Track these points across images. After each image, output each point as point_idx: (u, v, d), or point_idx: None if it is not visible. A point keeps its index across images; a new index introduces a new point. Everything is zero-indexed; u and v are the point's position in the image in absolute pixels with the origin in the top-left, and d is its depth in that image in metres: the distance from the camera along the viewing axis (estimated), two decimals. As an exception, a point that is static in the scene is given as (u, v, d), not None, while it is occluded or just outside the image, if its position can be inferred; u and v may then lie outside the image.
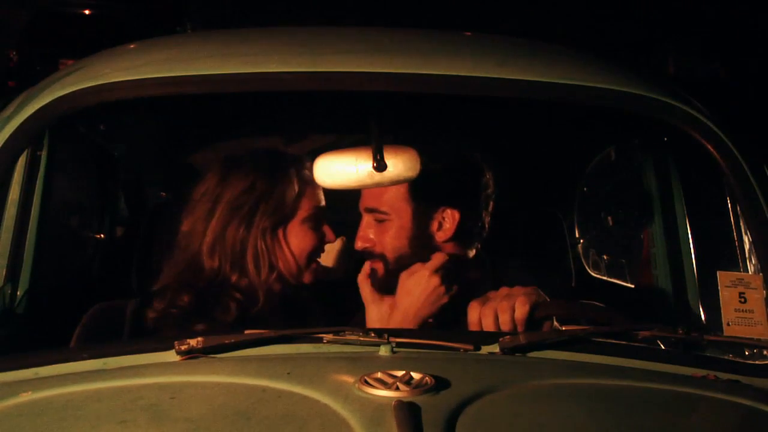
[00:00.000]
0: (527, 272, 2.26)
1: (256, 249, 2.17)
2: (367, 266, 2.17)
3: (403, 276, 2.09)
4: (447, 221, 2.21)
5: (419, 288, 2.05)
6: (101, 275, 2.75)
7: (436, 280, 2.05)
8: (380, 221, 2.21)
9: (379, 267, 2.20)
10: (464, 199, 2.22)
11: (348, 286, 2.22)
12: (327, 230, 2.25)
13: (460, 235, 2.23)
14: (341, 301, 2.29)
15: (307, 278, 2.23)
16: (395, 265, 2.19)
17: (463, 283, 2.14)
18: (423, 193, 2.19)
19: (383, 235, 2.21)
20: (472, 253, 2.28)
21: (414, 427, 1.34)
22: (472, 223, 2.24)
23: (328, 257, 2.48)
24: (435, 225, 2.21)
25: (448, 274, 2.08)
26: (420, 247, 2.19)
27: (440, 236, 2.21)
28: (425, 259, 2.10)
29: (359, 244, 2.25)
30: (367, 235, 2.24)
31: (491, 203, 2.28)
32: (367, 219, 2.25)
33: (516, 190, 3.10)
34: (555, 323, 2.01)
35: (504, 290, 2.03)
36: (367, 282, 2.12)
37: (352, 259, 2.44)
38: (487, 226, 2.28)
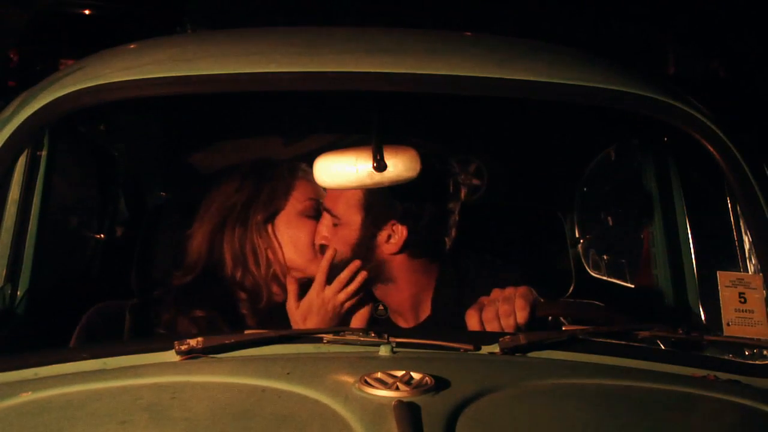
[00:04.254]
0: (527, 272, 2.25)
1: (253, 245, 2.22)
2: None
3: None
4: (395, 236, 2.15)
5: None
6: (101, 275, 2.75)
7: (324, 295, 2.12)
8: (334, 224, 2.19)
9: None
10: (417, 214, 2.15)
11: None
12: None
13: (414, 247, 2.17)
14: None
15: (312, 270, 2.24)
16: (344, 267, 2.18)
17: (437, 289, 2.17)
18: (373, 204, 2.15)
19: (335, 237, 2.19)
20: (435, 263, 2.22)
21: (414, 427, 1.34)
22: (428, 234, 2.17)
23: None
24: (384, 237, 2.16)
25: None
26: (367, 256, 2.16)
27: (388, 248, 2.16)
28: (372, 266, 2.14)
29: (317, 239, 2.24)
30: (323, 233, 2.22)
31: (456, 215, 2.22)
32: (325, 217, 2.23)
33: (516, 190, 3.10)
34: (562, 320, 2.01)
35: (497, 293, 2.00)
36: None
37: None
38: (453, 232, 2.22)
